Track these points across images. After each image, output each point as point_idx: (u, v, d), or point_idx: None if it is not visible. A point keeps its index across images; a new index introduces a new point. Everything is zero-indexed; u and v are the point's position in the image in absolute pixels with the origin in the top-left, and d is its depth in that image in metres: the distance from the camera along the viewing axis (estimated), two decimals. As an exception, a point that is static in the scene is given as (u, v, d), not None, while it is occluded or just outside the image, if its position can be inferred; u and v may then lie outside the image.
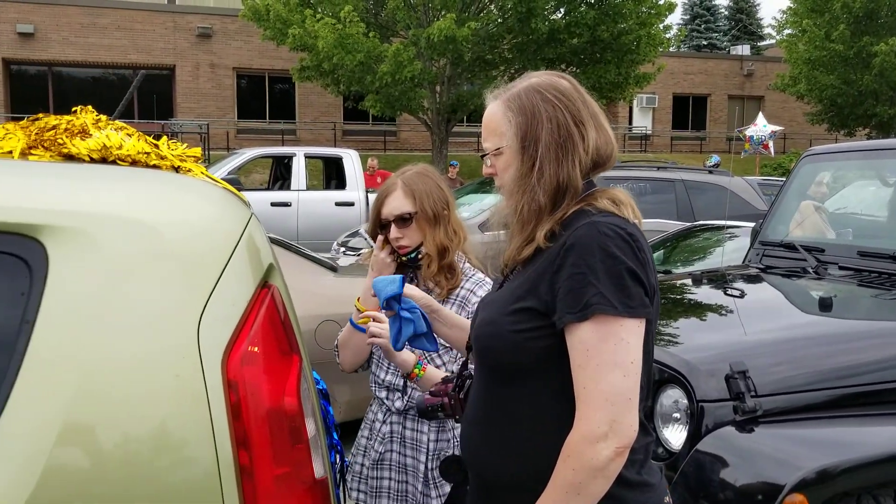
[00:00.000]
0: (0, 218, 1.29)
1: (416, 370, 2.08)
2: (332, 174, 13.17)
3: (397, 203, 2.23)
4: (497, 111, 1.61)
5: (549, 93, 1.57)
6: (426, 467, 2.20)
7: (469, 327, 1.78)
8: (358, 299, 2.29)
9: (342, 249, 8.57)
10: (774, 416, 2.61)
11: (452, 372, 2.04)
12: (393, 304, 1.84)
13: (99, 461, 1.25)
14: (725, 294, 3.72)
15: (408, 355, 2.09)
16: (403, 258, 2.26)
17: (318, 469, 1.43)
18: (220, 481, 1.29)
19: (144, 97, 25.23)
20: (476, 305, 1.80)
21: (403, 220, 2.22)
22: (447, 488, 2.13)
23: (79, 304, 1.28)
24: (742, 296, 3.68)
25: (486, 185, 9.87)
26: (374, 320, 2.04)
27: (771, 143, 15.96)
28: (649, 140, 30.68)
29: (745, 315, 3.36)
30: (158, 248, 1.35)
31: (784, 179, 4.57)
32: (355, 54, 16.57)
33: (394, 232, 2.23)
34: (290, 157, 12.36)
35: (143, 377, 1.28)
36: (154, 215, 1.38)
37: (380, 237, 2.26)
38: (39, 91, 24.29)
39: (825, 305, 3.20)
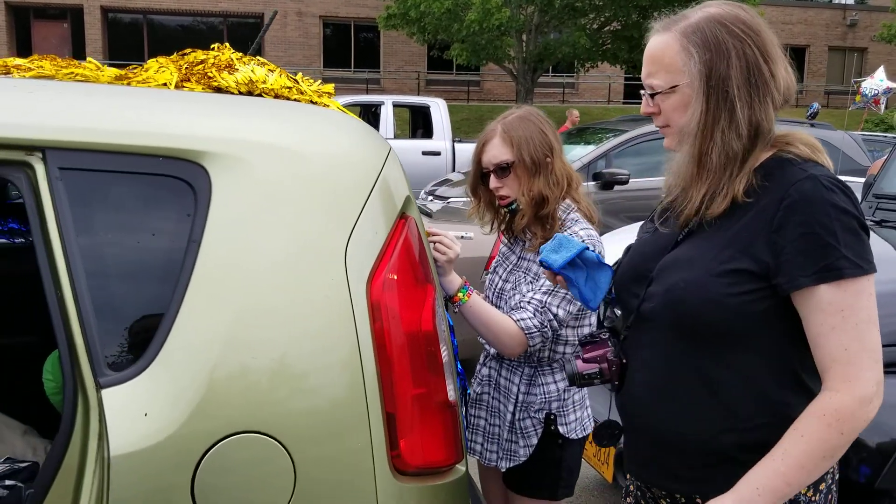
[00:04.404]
0: (169, 144, 1.38)
1: (461, 294, 2.05)
2: (418, 123, 13.22)
3: (496, 151, 2.15)
4: (672, 44, 1.43)
5: (735, 26, 1.40)
6: (513, 416, 2.18)
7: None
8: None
9: (429, 198, 8.64)
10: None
11: (602, 325, 2.01)
12: (571, 266, 1.64)
13: (258, 377, 1.33)
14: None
15: (454, 276, 2.07)
16: (504, 209, 2.21)
17: (451, 392, 1.50)
18: (366, 396, 1.36)
19: (233, 45, 25.64)
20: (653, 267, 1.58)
21: (502, 170, 2.14)
22: (534, 440, 2.16)
23: (239, 226, 1.36)
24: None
25: (571, 138, 9.68)
26: (438, 243, 2.05)
27: (884, 99, 15.16)
28: (742, 92, 29.56)
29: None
30: (308, 175, 1.42)
31: (889, 135, 4.35)
32: (443, 1, 16.45)
33: (493, 182, 2.16)
34: (377, 106, 12.45)
35: (298, 297, 1.36)
36: (303, 145, 1.45)
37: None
38: (135, 38, 25.00)
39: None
